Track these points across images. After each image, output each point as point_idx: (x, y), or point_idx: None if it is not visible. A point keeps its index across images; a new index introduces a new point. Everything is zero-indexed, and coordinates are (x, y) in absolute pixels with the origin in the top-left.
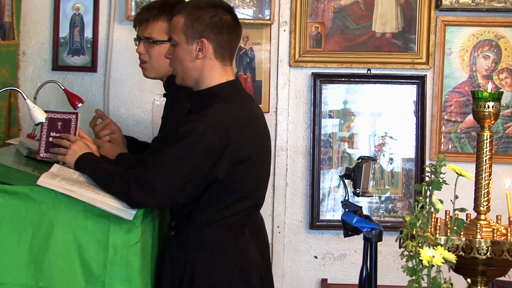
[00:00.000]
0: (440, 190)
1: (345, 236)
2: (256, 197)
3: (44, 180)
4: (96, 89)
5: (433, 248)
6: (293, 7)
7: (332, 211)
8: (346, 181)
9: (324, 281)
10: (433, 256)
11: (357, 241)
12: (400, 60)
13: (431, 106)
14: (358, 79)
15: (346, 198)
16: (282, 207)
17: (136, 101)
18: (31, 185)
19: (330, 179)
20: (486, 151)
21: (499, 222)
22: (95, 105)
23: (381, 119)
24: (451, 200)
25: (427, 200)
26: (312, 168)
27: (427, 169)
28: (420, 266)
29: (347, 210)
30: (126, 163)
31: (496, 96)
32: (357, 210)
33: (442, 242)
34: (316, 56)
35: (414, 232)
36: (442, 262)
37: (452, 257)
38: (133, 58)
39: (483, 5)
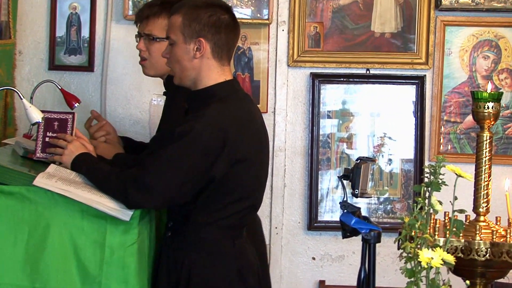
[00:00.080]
0: (439, 191)
1: (343, 238)
2: (254, 197)
3: (41, 180)
4: (93, 89)
5: (432, 249)
6: (292, 6)
7: (330, 212)
8: (345, 182)
9: (322, 282)
10: (432, 258)
11: (356, 243)
12: (399, 60)
13: (430, 106)
14: (357, 79)
15: (345, 199)
16: (280, 208)
17: (133, 101)
18: (27, 185)
19: (329, 180)
20: (486, 152)
21: (498, 223)
22: (92, 105)
23: (380, 120)
24: (450, 202)
25: (426, 201)
26: (311, 169)
27: (426, 170)
28: (419, 268)
29: (345, 211)
30: (123, 164)
31: (496, 97)
32: (355, 211)
33: (441, 244)
34: (314, 56)
35: (413, 233)
36: (441, 264)
37: (451, 258)
38: (131, 58)
39: (482, 5)
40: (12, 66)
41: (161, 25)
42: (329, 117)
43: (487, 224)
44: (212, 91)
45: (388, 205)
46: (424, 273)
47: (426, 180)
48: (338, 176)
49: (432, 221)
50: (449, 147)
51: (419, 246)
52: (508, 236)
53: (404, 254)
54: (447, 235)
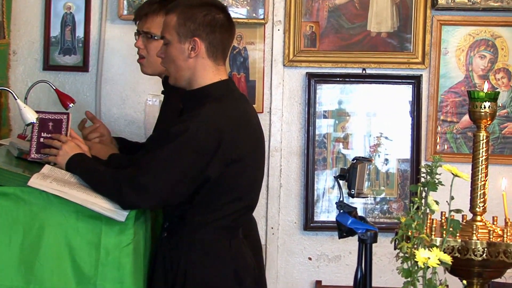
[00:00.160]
0: (436, 191)
1: (339, 238)
2: (249, 198)
3: (35, 181)
4: (87, 89)
5: (429, 249)
6: (287, 6)
7: (326, 212)
8: (341, 182)
9: (318, 282)
10: (429, 258)
11: (352, 243)
12: (395, 60)
13: (426, 106)
14: (353, 79)
15: (341, 199)
16: (276, 208)
17: (129, 101)
18: (22, 186)
19: (325, 180)
20: (482, 151)
21: (495, 223)
22: (86, 105)
23: (376, 120)
24: (447, 201)
25: (423, 201)
26: (307, 169)
27: (423, 169)
28: (416, 268)
29: (341, 211)
30: (118, 164)
31: (493, 96)
32: (352, 211)
33: (438, 244)
34: (310, 56)
35: (410, 233)
36: (438, 264)
37: (447, 258)
38: (125, 58)
39: (479, 4)
40: (6, 66)
41: (160, 23)
42: (325, 117)
43: (484, 224)
44: (207, 91)
45: (385, 205)
46: (420, 273)
47: (422, 180)
48: (334, 176)
49: (428, 221)
50: (445, 147)
51: (415, 246)
52: (505, 236)
53: (401, 254)
54: (444, 235)
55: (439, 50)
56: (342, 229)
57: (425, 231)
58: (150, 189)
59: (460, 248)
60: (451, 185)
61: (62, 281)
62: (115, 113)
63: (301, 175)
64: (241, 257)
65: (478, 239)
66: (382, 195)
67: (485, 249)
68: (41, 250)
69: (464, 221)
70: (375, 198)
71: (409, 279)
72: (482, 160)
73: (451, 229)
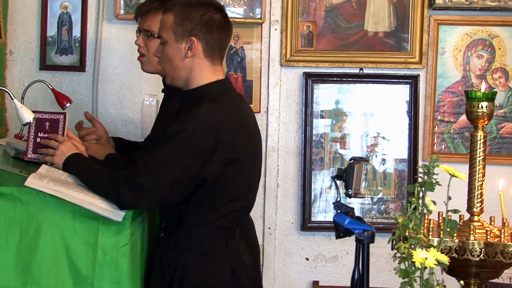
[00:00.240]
0: (433, 191)
1: (336, 238)
2: (246, 198)
3: (32, 181)
4: (84, 89)
5: (426, 250)
6: (285, 5)
7: (323, 212)
8: (338, 182)
9: (315, 283)
10: (426, 258)
11: (349, 243)
12: (392, 60)
13: (424, 106)
14: (350, 79)
15: (338, 199)
16: (273, 208)
17: (125, 101)
18: (18, 186)
19: (322, 180)
20: (480, 151)
21: (492, 223)
22: (83, 105)
23: (373, 119)
24: (444, 202)
25: (420, 201)
26: (304, 169)
27: (420, 170)
28: (413, 268)
29: (339, 211)
30: (115, 164)
31: (490, 96)
32: (349, 211)
33: (435, 244)
34: (307, 56)
35: (407, 233)
36: (435, 264)
37: (445, 259)
38: (122, 58)
39: (476, 4)
40: (3, 66)
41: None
42: (322, 117)
43: (481, 224)
44: (204, 91)
45: (382, 205)
46: (418, 273)
47: (420, 180)
48: (331, 176)
49: (426, 221)
50: (443, 147)
51: (413, 246)
52: (502, 236)
53: (398, 255)
54: (441, 235)
55: (436, 50)
56: (339, 229)
57: (422, 231)
58: (148, 189)
59: (457, 248)
60: (448, 185)
61: (59, 281)
62: (112, 113)
63: (298, 175)
64: (238, 257)
65: (475, 240)
66: (379, 195)
67: (483, 250)
68: (38, 250)
69: (462, 221)
70: (372, 198)
71: (406, 279)
72: (479, 160)
73: (448, 229)
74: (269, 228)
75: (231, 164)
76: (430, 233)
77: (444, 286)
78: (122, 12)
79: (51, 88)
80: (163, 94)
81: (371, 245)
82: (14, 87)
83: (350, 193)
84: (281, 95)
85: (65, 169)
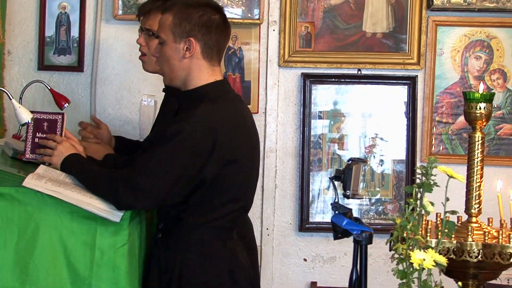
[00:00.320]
0: (431, 192)
1: (334, 239)
2: (245, 198)
3: (30, 182)
4: (82, 89)
5: (424, 251)
6: (283, 6)
7: (321, 213)
8: (336, 183)
9: (313, 284)
10: (424, 259)
11: (347, 244)
12: (390, 61)
13: (422, 107)
14: (349, 80)
15: (336, 200)
16: (271, 209)
17: (123, 102)
18: (16, 186)
19: (320, 181)
20: (478, 153)
21: (490, 224)
22: (81, 105)
23: (371, 120)
24: (442, 203)
25: (418, 202)
26: (302, 170)
27: (418, 171)
28: (411, 269)
29: (337, 212)
30: (113, 164)
31: (488, 97)
32: (347, 212)
33: (433, 245)
34: (305, 56)
35: (405, 234)
36: (433, 265)
37: (443, 260)
38: (121, 58)
39: (474, 5)
40: (1, 66)
41: None
42: (320, 117)
43: (479, 225)
44: (202, 92)
45: (380, 206)
46: (416, 274)
47: (418, 181)
48: (329, 177)
49: (424, 222)
50: (441, 148)
51: (411, 247)
52: (500, 237)
53: (396, 256)
54: (439, 237)
55: (434, 51)
56: (337, 230)
57: (420, 232)
58: (146, 189)
59: (455, 249)
60: (446, 186)
61: (57, 282)
62: (110, 113)
63: (296, 176)
64: (236, 258)
65: (473, 241)
66: (377, 196)
67: (480, 251)
68: (36, 251)
69: (460, 222)
70: (370, 199)
71: (404, 280)
72: (477, 161)
73: (446, 230)
74: (267, 229)
75: (229, 164)
76: (428, 234)
77: (442, 287)
78: (120, 12)
79: (49, 88)
80: (162, 94)
81: (369, 246)
82: (12, 87)
83: (348, 194)
84: (279, 96)
85: (63, 169)
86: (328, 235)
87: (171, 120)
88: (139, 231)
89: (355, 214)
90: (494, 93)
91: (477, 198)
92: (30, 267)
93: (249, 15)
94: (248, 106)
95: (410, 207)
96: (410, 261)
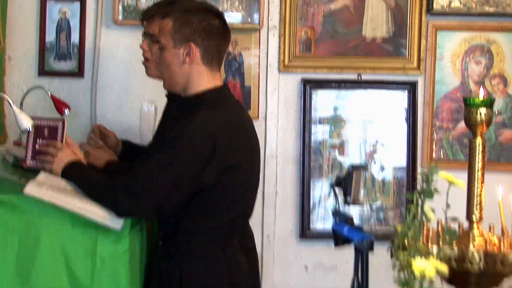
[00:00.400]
0: (432, 198)
1: (335, 246)
2: (245, 205)
3: (31, 189)
4: (83, 95)
5: (425, 258)
6: (283, 11)
7: (322, 220)
8: (337, 189)
9: None
10: (425, 267)
11: (348, 251)
12: (391, 66)
13: (422, 112)
14: (349, 85)
15: (337, 207)
16: (272, 216)
17: (124, 108)
18: (17, 193)
19: (321, 188)
20: (478, 158)
21: (492, 231)
22: (82, 111)
23: (372, 126)
24: (443, 209)
25: (419, 209)
26: (302, 176)
27: (419, 177)
28: (412, 277)
29: (337, 219)
30: (114, 171)
31: (488, 103)
32: (348, 219)
33: (434, 252)
34: (306, 61)
35: (406, 242)
36: (434, 273)
37: (444, 268)
38: (121, 64)
39: (474, 10)
40: (2, 73)
41: None
42: (320, 123)
43: (480, 232)
44: (202, 97)
45: (381, 213)
46: (417, 282)
47: (418, 187)
48: (330, 184)
49: (425, 230)
50: (441, 154)
51: (412, 255)
52: (502, 245)
53: (397, 263)
54: (440, 244)
55: (434, 56)
56: (338, 238)
57: (421, 239)
58: (145, 196)
59: (456, 257)
60: (447, 193)
61: None
62: (110, 119)
63: (297, 183)
64: (236, 265)
65: (474, 248)
66: (378, 203)
67: (482, 259)
68: (37, 259)
69: (461, 229)
70: (371, 206)
71: None
72: (478, 168)
73: (447, 237)
74: (268, 236)
75: (229, 171)
76: (429, 242)
77: None
78: (120, 17)
79: (49, 94)
80: (162, 100)
81: (370, 253)
82: (12, 94)
83: (348, 200)
84: (279, 101)
85: (63, 176)
86: (329, 243)
87: (171, 125)
88: (140, 239)
89: (356, 221)
90: (494, 99)
91: (478, 204)
92: (32, 275)
93: (249, 20)
94: (248, 111)
95: (411, 214)
96: (412, 269)
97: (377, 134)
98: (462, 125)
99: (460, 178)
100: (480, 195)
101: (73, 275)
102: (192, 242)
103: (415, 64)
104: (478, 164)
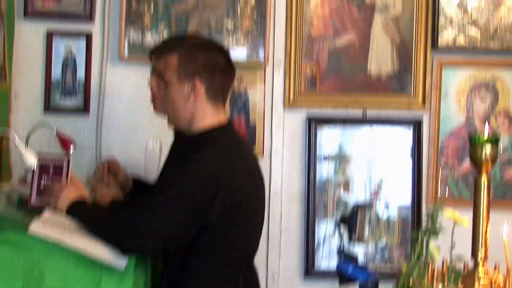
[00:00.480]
0: (437, 237)
1: (340, 285)
2: (249, 244)
3: (35, 227)
4: (88, 132)
5: None
6: (288, 48)
7: (327, 258)
8: (342, 227)
9: None
10: None
11: None
12: (396, 102)
13: (427, 150)
14: (354, 122)
15: (342, 246)
16: (277, 255)
17: (129, 144)
18: (22, 232)
19: (326, 226)
20: (484, 197)
21: (497, 270)
22: (87, 148)
23: (377, 163)
24: (448, 248)
25: (424, 248)
26: (307, 214)
27: (424, 216)
28: None
29: (342, 258)
30: (119, 209)
31: (494, 141)
32: (352, 258)
33: None
34: (311, 98)
35: (411, 281)
36: None
37: None
38: (126, 101)
39: (479, 46)
40: (8, 110)
41: None
42: (325, 160)
43: (485, 271)
44: (207, 134)
45: (386, 252)
46: None
47: (423, 226)
48: (335, 222)
49: (430, 268)
50: (446, 192)
51: None
52: (507, 284)
53: None
54: (445, 283)
55: (439, 92)
56: (343, 277)
57: (426, 278)
58: (149, 234)
59: None
60: (452, 232)
61: None
62: (116, 156)
63: (302, 221)
64: None
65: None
66: (383, 241)
67: None
68: None
69: (466, 268)
70: (376, 245)
71: None
72: (483, 206)
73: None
74: (273, 274)
75: (233, 209)
76: (435, 281)
77: None
78: (126, 54)
79: (55, 131)
80: (167, 137)
81: None
82: (18, 131)
83: (353, 239)
84: (284, 138)
85: (68, 214)
86: (334, 281)
87: (175, 163)
88: (144, 279)
89: (361, 259)
90: (500, 136)
91: (483, 243)
92: None
93: (254, 56)
94: (253, 148)
95: (416, 253)
96: None
97: (382, 171)
98: (467, 162)
99: (465, 216)
100: (485, 233)
101: None
102: (197, 281)
103: (420, 101)
104: (483, 202)
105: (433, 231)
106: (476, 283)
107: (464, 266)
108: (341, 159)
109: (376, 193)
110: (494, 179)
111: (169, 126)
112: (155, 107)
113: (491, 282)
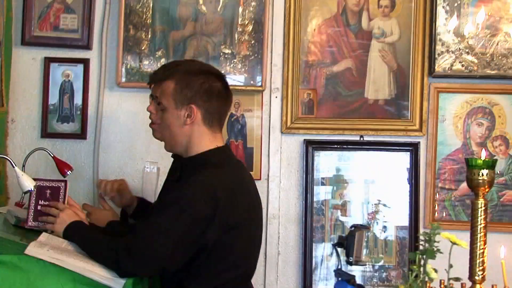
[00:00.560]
0: (434, 259)
1: None
2: (247, 265)
3: (32, 249)
4: (85, 157)
5: None
6: (285, 73)
7: (325, 280)
8: (339, 249)
9: None
10: None
11: None
12: (393, 127)
13: (424, 173)
14: (351, 146)
15: (339, 267)
16: (274, 276)
17: (126, 169)
18: (19, 254)
19: (323, 248)
20: (481, 219)
21: None
22: (84, 172)
23: (374, 187)
24: (445, 269)
25: (421, 269)
26: (305, 236)
27: (421, 237)
28: None
29: (340, 279)
30: (116, 231)
31: (490, 164)
32: (350, 279)
33: None
34: (308, 123)
35: None
36: None
37: None
38: (123, 125)
39: (476, 72)
40: (5, 134)
41: None
42: (323, 184)
43: None
44: (204, 158)
45: (383, 273)
46: None
47: (421, 247)
48: (332, 244)
49: None
50: (444, 214)
51: None
52: None
53: None
54: None
55: (436, 118)
56: None
57: None
58: (146, 256)
59: None
60: (449, 253)
61: None
62: None
63: (299, 243)
64: None
65: None
66: (381, 263)
67: None
68: None
69: None
70: (373, 266)
71: None
72: (480, 228)
73: None
74: None
75: (231, 231)
76: None
77: None
78: (123, 80)
79: (52, 156)
80: (165, 161)
81: None
82: (15, 155)
83: (351, 260)
84: (281, 163)
85: (65, 237)
86: None
87: (173, 186)
88: None
89: (358, 281)
90: (496, 160)
91: (480, 264)
92: None
93: (252, 82)
94: (251, 172)
95: (414, 274)
96: None
97: (380, 194)
98: (464, 186)
99: (463, 238)
100: (483, 255)
101: None
102: None
103: (417, 126)
104: (481, 224)
105: (430, 252)
106: None
107: (462, 287)
108: (338, 182)
109: (373, 216)
110: (491, 202)
111: (166, 150)
112: (154, 133)
113: None
